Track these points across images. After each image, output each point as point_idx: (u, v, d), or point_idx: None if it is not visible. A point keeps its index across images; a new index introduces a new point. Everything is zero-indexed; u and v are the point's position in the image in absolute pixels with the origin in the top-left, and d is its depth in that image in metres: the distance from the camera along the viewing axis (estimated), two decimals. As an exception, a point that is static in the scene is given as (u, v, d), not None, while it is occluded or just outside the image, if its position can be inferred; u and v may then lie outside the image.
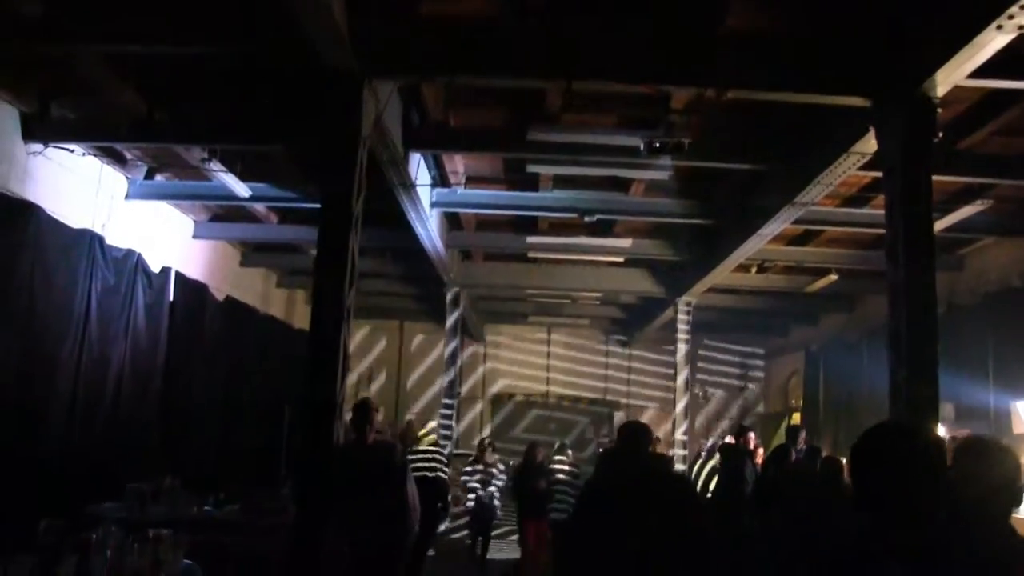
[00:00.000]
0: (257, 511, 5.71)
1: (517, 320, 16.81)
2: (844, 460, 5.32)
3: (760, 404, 17.33)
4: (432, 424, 8.26)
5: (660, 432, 16.28)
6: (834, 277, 10.63)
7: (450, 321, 11.90)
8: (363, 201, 5.09)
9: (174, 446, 8.63)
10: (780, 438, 14.84)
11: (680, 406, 11.62)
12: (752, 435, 7.40)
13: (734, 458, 6.93)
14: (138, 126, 6.44)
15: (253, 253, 11.79)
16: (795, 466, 6.01)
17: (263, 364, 11.48)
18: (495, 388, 17.41)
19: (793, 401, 16.38)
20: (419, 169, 7.07)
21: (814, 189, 6.23)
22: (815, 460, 5.96)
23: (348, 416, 4.99)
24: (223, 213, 9.95)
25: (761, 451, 7.86)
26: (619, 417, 17.44)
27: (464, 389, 13.09)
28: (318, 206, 7.97)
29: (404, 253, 11.07)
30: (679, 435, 11.47)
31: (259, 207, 9.31)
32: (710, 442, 11.02)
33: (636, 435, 4.38)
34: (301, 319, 14.01)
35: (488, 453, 8.64)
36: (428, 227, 8.09)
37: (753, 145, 6.53)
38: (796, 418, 15.43)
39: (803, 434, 7.19)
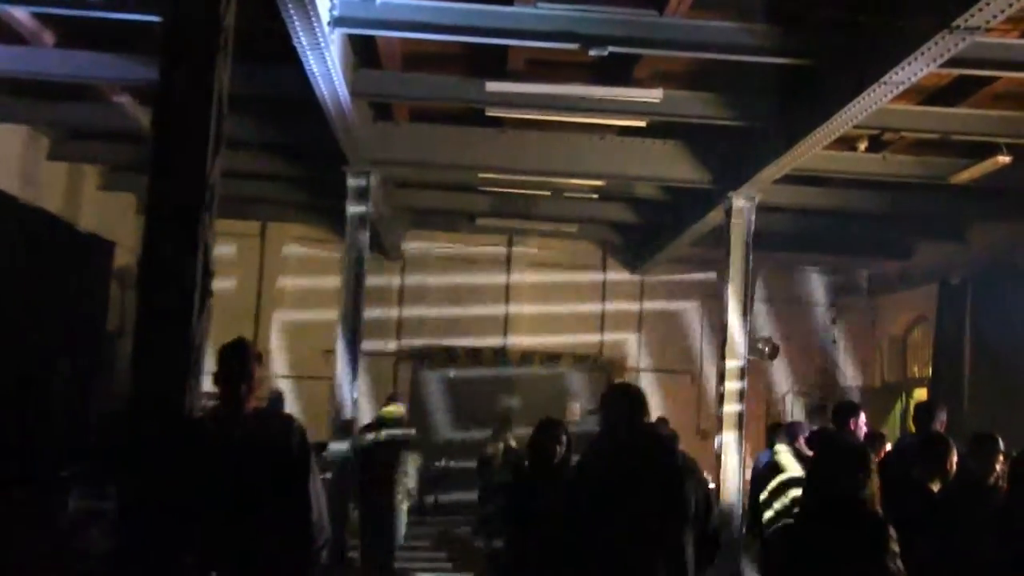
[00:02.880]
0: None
1: (458, 224, 17.12)
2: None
3: (854, 373, 18.11)
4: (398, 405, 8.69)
5: (691, 412, 17.25)
6: (1003, 159, 10.96)
7: (351, 222, 12.09)
8: (233, 11, 5.18)
9: None
10: (894, 426, 15.72)
11: (732, 368, 12.07)
12: (862, 417, 7.84)
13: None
14: None
15: (9, 99, 11.78)
16: (962, 471, 6.19)
17: (22, 286, 11.60)
18: (419, 339, 17.84)
19: (916, 368, 17.15)
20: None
21: (993, 3, 6.39)
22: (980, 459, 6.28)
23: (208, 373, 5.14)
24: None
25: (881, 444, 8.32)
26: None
27: (367, 341, 13.31)
28: (131, 16, 8.11)
29: (275, 105, 11.14)
30: (729, 413, 11.95)
31: (22, 14, 9.25)
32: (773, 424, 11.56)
33: (626, 400, 5.28)
34: (92, 215, 14.20)
35: (508, 430, 8.97)
36: (326, 58, 8.11)
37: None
38: (920, 395, 16.23)
39: (942, 416, 7.63)
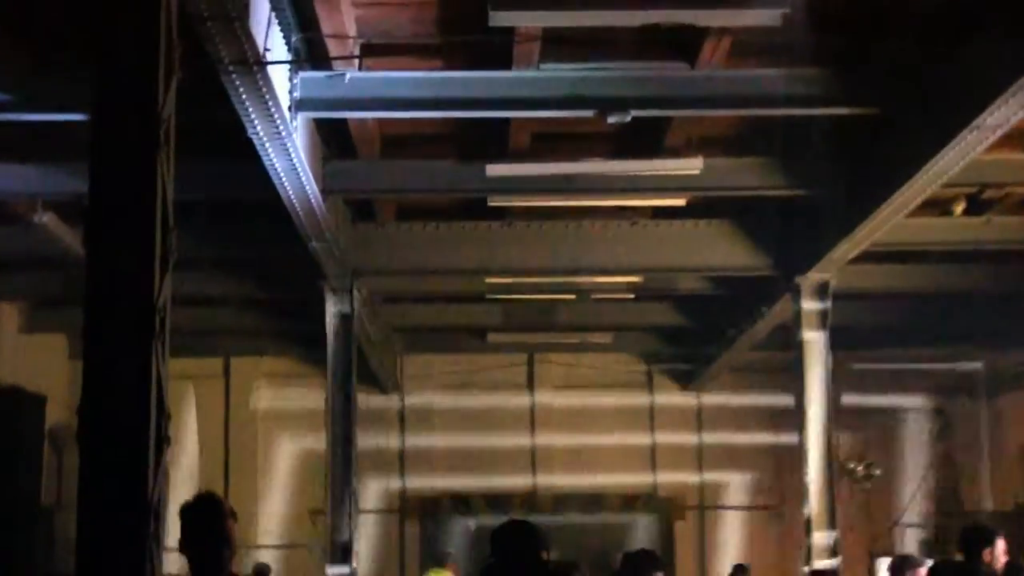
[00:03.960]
0: None
1: (466, 344, 17.13)
2: None
3: (977, 494, 17.82)
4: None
5: (777, 555, 16.98)
6: None
7: (334, 351, 12.08)
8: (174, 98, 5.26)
9: None
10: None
11: (814, 494, 11.94)
12: (1000, 545, 7.70)
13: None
14: None
15: None
16: None
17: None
18: (426, 485, 17.73)
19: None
20: (270, 32, 7.20)
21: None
22: None
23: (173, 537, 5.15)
24: None
25: None
26: (681, 529, 17.87)
27: (365, 492, 13.21)
28: (49, 116, 8.22)
29: (232, 212, 11.25)
30: (819, 548, 11.74)
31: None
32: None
33: (521, 534, 5.64)
34: (14, 364, 14.26)
35: None
36: (288, 149, 8.21)
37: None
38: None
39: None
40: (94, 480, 5.02)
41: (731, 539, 17.75)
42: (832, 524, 11.88)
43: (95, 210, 5.13)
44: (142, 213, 5.08)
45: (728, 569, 15.75)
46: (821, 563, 11.72)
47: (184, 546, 4.91)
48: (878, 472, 16.10)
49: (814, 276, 11.89)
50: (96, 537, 4.95)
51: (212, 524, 4.94)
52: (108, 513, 4.95)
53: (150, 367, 5.00)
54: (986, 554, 7.68)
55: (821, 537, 11.83)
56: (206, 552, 4.91)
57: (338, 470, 12.22)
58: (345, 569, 12.01)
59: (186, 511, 4.96)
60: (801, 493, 12.36)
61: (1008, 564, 8.07)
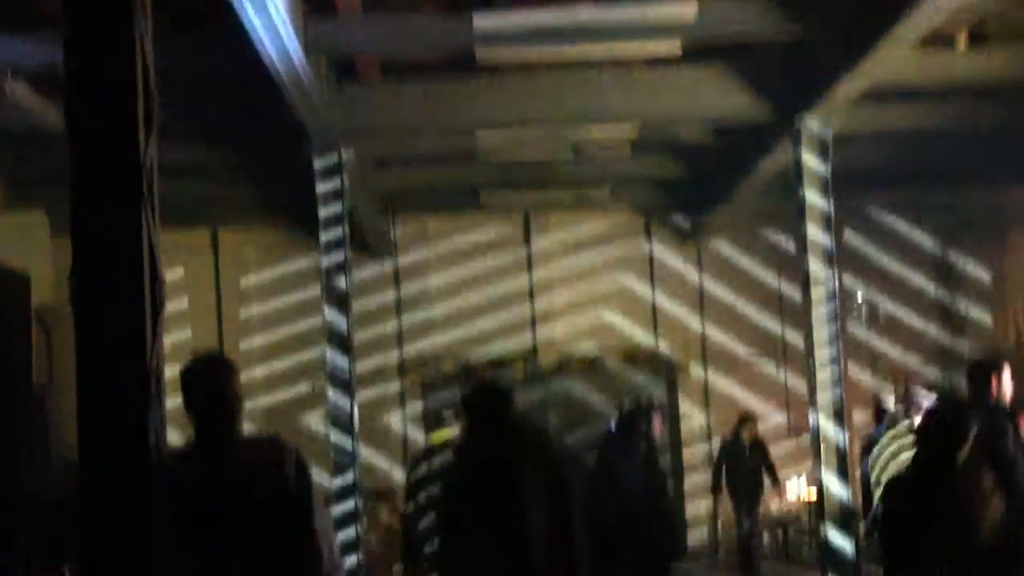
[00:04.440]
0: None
1: (459, 206, 17.13)
2: None
3: (982, 333, 17.90)
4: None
5: (780, 405, 17.19)
6: None
7: (324, 212, 12.05)
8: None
9: None
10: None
11: (822, 343, 11.99)
12: (1007, 372, 7.68)
13: (991, 421, 7.16)
14: None
15: None
16: None
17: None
18: (424, 348, 17.86)
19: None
20: None
21: None
22: None
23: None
24: None
25: None
26: (686, 383, 18.03)
27: (363, 365, 13.28)
28: None
29: (214, 81, 11.21)
30: (824, 402, 11.86)
31: None
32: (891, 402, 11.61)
33: (492, 398, 6.20)
34: (-4, 244, 14.17)
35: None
36: (268, 6, 8.05)
37: None
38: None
39: None
40: (92, 350, 4.99)
41: (735, 390, 17.85)
42: (837, 362, 11.99)
43: (72, 79, 5.04)
44: (122, 66, 5.02)
45: (736, 416, 16.03)
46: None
47: (190, 407, 5.00)
48: (880, 313, 16.07)
49: (814, 119, 11.82)
50: (97, 407, 4.95)
51: (217, 382, 5.05)
52: (108, 382, 4.93)
53: (140, 230, 4.98)
54: (993, 384, 7.66)
55: (825, 376, 11.95)
56: (214, 411, 4.99)
57: (335, 340, 12.30)
58: (348, 440, 12.15)
59: (188, 372, 5.07)
60: (805, 340, 12.48)
61: (1016, 401, 8.10)
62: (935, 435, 6.43)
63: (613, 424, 11.60)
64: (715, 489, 16.12)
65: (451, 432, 12.81)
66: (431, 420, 17.22)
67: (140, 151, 5.01)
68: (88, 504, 4.96)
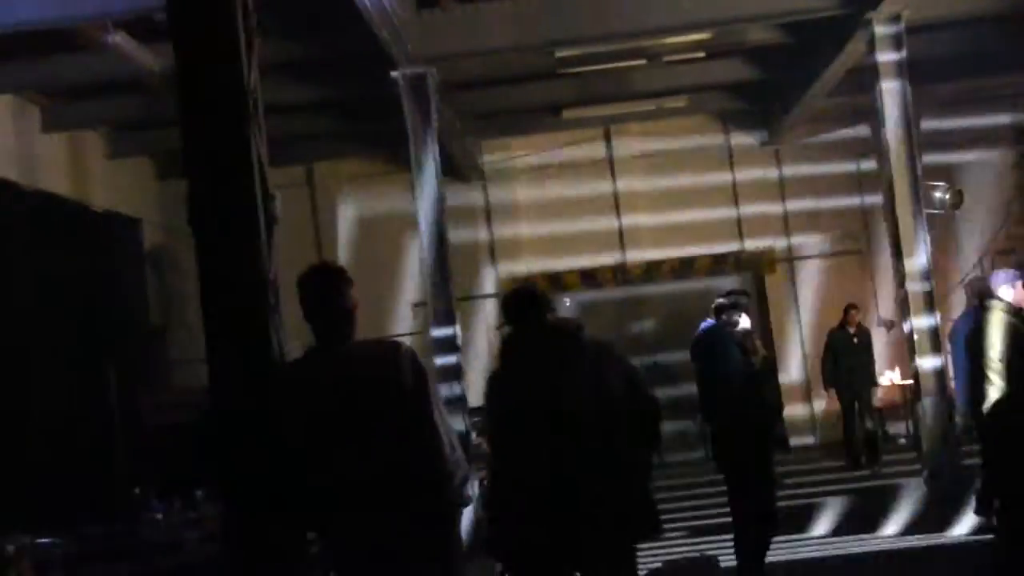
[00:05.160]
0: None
1: (542, 123, 17.21)
2: None
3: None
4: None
5: (868, 299, 17.15)
6: None
7: (415, 134, 12.12)
8: None
9: None
10: None
11: (907, 233, 12.08)
12: None
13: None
14: None
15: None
16: None
17: (42, 289, 11.98)
18: (515, 270, 18.08)
19: None
20: None
21: None
22: None
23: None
24: None
25: None
26: (772, 282, 18.08)
27: (459, 281, 13.43)
28: None
29: (301, 14, 11.34)
30: (915, 285, 11.98)
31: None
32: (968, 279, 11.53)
33: (528, 302, 6.16)
34: (106, 191, 14.58)
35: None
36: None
37: None
38: None
39: None
40: (212, 264, 5.23)
41: (822, 286, 17.88)
42: (922, 252, 12.11)
43: (174, 12, 5.27)
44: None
45: (818, 315, 16.00)
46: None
47: (309, 315, 5.16)
48: (963, 197, 15.89)
49: (886, 8, 11.78)
50: (222, 320, 5.20)
51: (332, 289, 5.20)
52: (229, 293, 5.19)
53: (250, 149, 5.21)
54: None
55: (912, 264, 12.07)
56: (332, 317, 5.16)
57: (434, 262, 12.42)
58: (452, 358, 12.34)
59: (305, 282, 5.20)
60: (889, 232, 12.61)
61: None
62: None
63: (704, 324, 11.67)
64: (827, 384, 15.82)
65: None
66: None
67: (244, 74, 5.24)
68: (220, 404, 5.22)
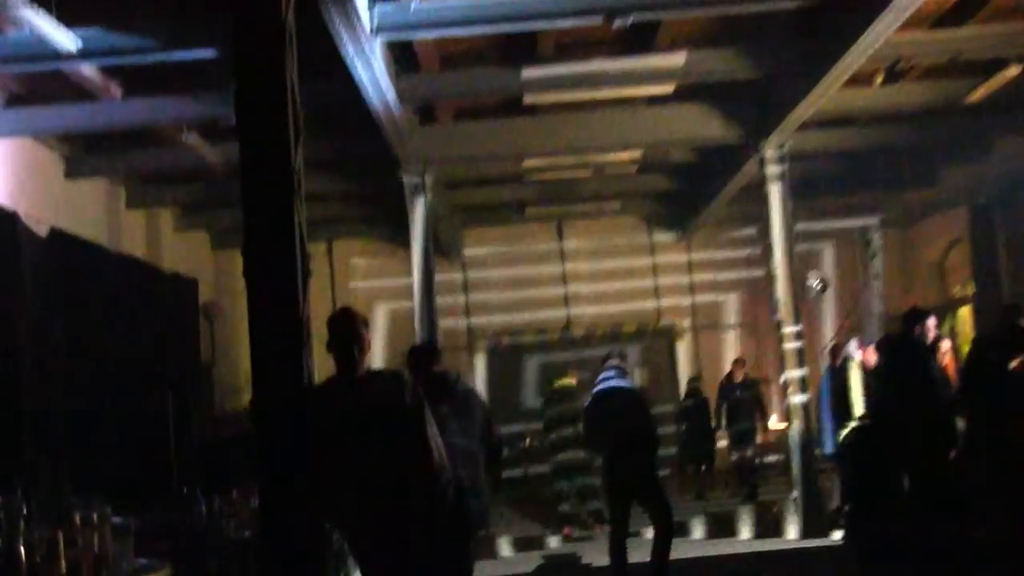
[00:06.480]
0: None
1: (508, 217, 17.29)
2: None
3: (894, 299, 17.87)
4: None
5: (751, 363, 17.15)
6: (1012, 72, 10.88)
7: (416, 223, 12.01)
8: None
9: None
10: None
11: (782, 302, 12.03)
12: (931, 321, 7.87)
13: (907, 353, 7.37)
14: None
15: (86, 155, 12.00)
16: None
17: (121, 330, 11.88)
18: (486, 323, 18.06)
19: (956, 288, 16.97)
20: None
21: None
22: None
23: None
24: (28, 90, 10.04)
25: (947, 346, 8.43)
26: (683, 348, 18.11)
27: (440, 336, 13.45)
28: (188, 54, 8.27)
29: (319, 122, 11.31)
30: (790, 345, 11.88)
31: (90, 71, 9.37)
32: (831, 345, 11.74)
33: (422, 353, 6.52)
34: (172, 256, 14.51)
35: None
36: (373, 65, 8.28)
37: None
38: (963, 315, 16.11)
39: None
40: (259, 308, 5.17)
41: (720, 351, 17.95)
42: (798, 319, 12.02)
43: (241, 105, 5.24)
44: (277, 93, 5.20)
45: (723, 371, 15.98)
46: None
47: (331, 348, 5.12)
48: (828, 285, 16.03)
49: (774, 140, 11.83)
50: (265, 347, 5.14)
51: (349, 328, 5.14)
52: (271, 327, 5.14)
53: (292, 216, 5.14)
54: (917, 328, 7.88)
55: (791, 329, 11.95)
56: (346, 350, 5.09)
57: (424, 321, 12.17)
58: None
59: (331, 321, 5.17)
60: (770, 311, 12.60)
61: (937, 336, 8.31)
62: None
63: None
64: (716, 427, 15.13)
65: (571, 380, 12.38)
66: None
67: (291, 156, 5.18)
68: (259, 422, 5.15)
